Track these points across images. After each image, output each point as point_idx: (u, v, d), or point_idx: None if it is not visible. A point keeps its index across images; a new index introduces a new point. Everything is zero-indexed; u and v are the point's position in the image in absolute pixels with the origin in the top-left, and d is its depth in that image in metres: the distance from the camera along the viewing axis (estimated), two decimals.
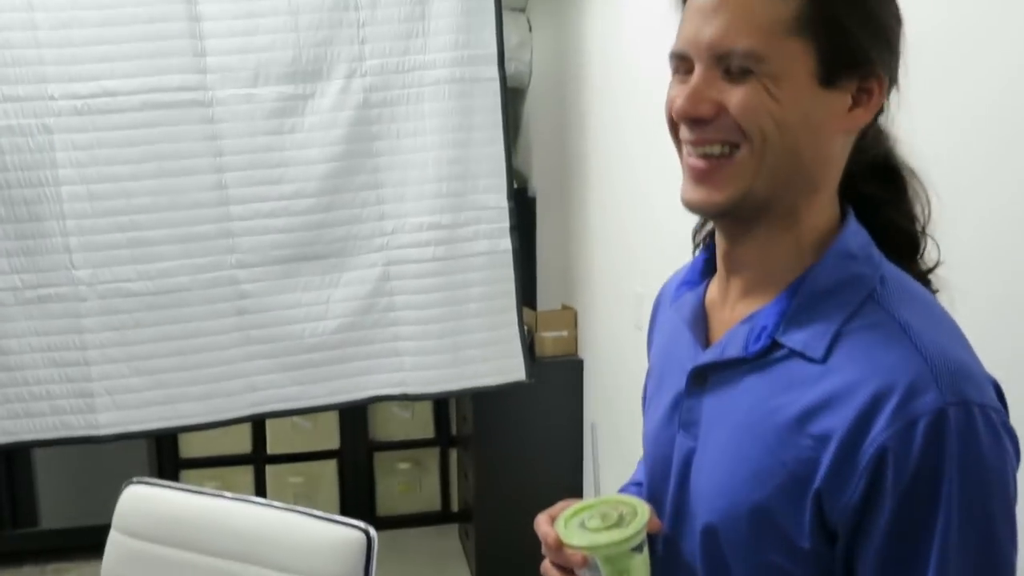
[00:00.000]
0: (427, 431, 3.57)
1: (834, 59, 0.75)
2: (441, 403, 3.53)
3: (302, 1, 2.37)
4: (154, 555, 1.21)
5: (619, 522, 0.81)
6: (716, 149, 0.77)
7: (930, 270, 0.86)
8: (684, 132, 0.79)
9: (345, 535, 1.17)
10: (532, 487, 3.01)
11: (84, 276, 2.33)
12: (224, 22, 2.34)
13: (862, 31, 0.76)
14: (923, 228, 0.86)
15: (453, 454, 3.57)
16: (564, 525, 0.83)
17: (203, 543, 1.19)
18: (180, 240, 2.37)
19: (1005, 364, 0.87)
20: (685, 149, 0.80)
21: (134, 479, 1.21)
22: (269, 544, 1.18)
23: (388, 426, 3.54)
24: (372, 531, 1.19)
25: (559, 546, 0.82)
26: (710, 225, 0.92)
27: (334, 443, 3.48)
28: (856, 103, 0.78)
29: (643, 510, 0.82)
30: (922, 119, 1.06)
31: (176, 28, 2.31)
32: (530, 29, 3.40)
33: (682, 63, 0.79)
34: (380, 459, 3.57)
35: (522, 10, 3.42)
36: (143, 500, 1.17)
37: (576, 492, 3.04)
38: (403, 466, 3.58)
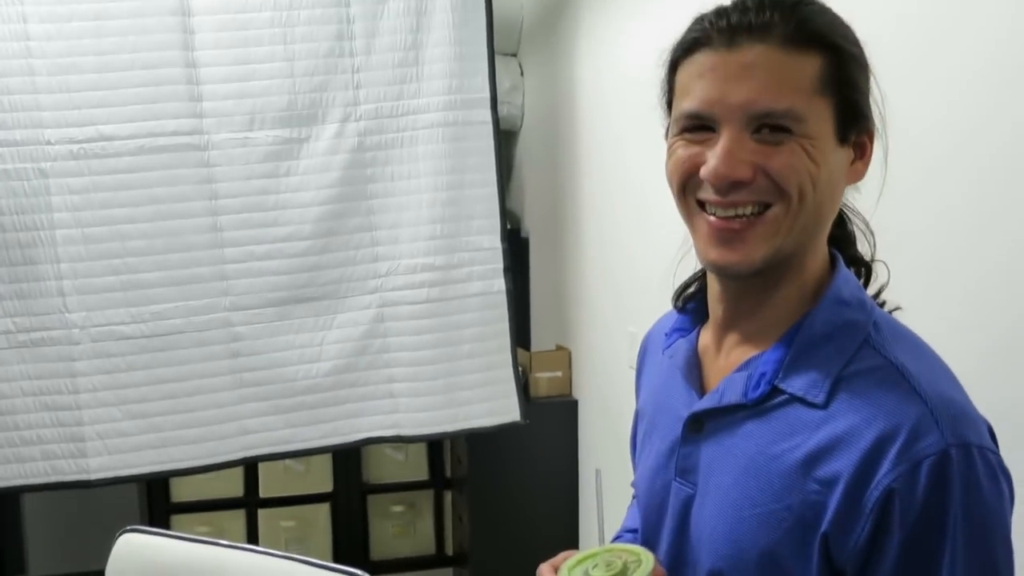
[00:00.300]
0: (421, 473, 3.54)
1: (846, 116, 0.78)
2: (435, 445, 3.50)
3: (298, 48, 2.40)
4: None
5: (623, 571, 0.81)
6: (748, 209, 0.77)
7: (881, 290, 0.90)
8: (708, 194, 0.78)
9: None
10: (528, 529, 2.99)
11: (77, 319, 2.33)
12: (220, 68, 2.36)
13: (864, 90, 0.79)
14: (872, 255, 0.90)
15: (448, 496, 3.54)
16: (568, 574, 0.83)
17: None
18: (174, 282, 2.37)
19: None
20: (708, 209, 0.79)
21: (128, 527, 1.20)
22: None
23: (382, 468, 3.51)
24: None
25: None
26: (695, 287, 0.93)
27: (327, 486, 3.45)
28: (856, 157, 0.81)
29: (648, 559, 0.82)
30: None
31: (173, 74, 2.33)
32: (522, 73, 3.45)
33: (695, 123, 0.78)
34: (374, 502, 3.53)
35: (514, 55, 3.47)
36: (138, 549, 1.16)
37: (572, 534, 3.01)
38: (397, 509, 3.54)
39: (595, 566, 0.83)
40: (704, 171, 0.77)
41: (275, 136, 2.40)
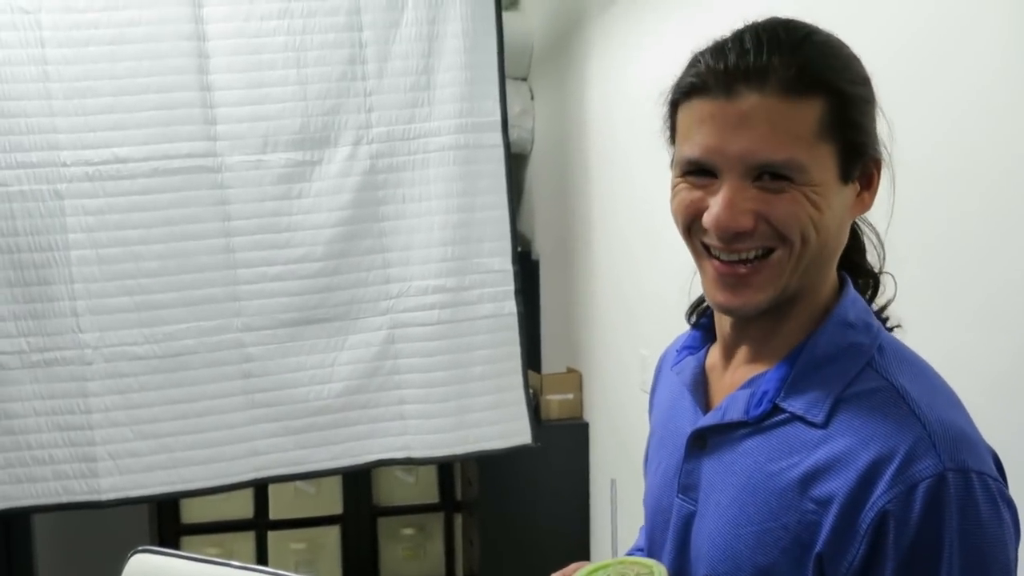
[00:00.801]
0: (431, 496, 3.53)
1: (849, 156, 0.77)
2: (445, 467, 3.50)
3: (311, 71, 2.42)
4: None
5: None
6: (752, 254, 0.78)
7: (886, 305, 0.89)
8: (712, 239, 0.79)
9: None
10: (538, 552, 2.96)
11: (90, 340, 2.34)
12: (234, 91, 2.39)
13: (867, 127, 0.79)
14: (880, 268, 0.89)
15: (458, 519, 3.52)
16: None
17: None
18: (187, 303, 2.39)
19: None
20: (712, 253, 0.79)
21: (140, 548, 1.20)
22: None
23: (392, 491, 3.50)
24: None
25: None
26: (705, 304, 0.93)
27: (337, 508, 3.44)
28: (863, 188, 0.80)
29: (660, 571, 0.82)
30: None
31: (187, 98, 2.36)
32: (532, 97, 3.47)
33: (696, 168, 0.79)
34: (384, 524, 3.52)
35: (524, 79, 3.50)
36: (149, 570, 1.16)
37: (583, 556, 2.99)
38: (407, 531, 3.53)
39: None
40: (706, 220, 0.78)
41: (288, 159, 2.42)
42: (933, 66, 1.35)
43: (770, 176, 0.75)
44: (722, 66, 0.76)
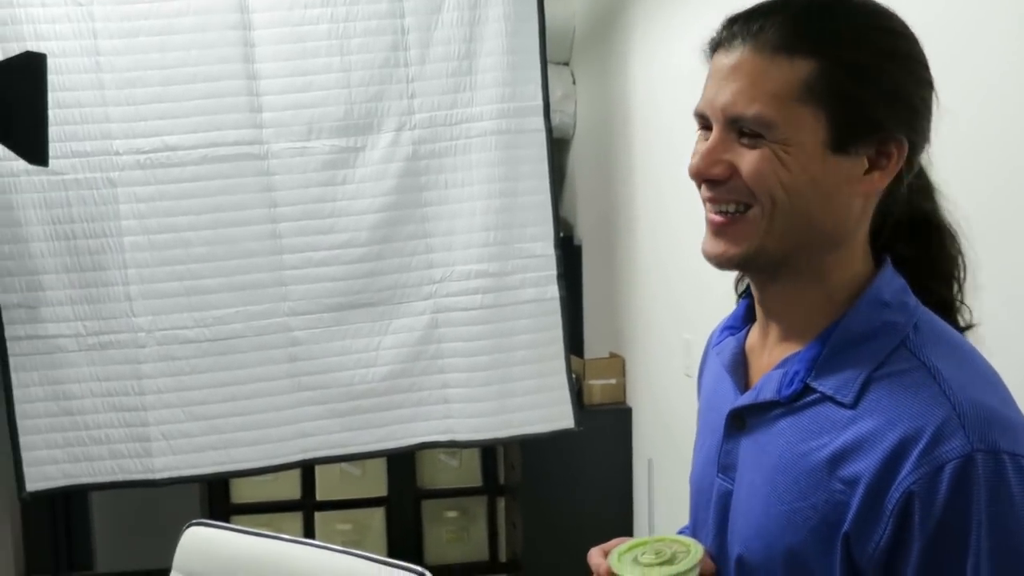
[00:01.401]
0: (475, 479, 3.56)
1: (846, 127, 0.76)
2: (489, 451, 3.52)
3: (354, 59, 2.45)
4: None
5: (672, 559, 0.82)
6: (731, 207, 0.79)
7: (961, 330, 0.85)
8: (702, 189, 0.82)
9: None
10: (581, 536, 2.96)
11: (143, 323, 2.40)
12: (280, 80, 2.43)
13: (876, 101, 0.76)
14: (958, 290, 0.86)
15: (501, 502, 3.55)
16: (617, 559, 0.85)
17: None
18: (235, 288, 2.44)
19: None
20: (705, 204, 0.82)
21: (194, 521, 1.24)
22: None
23: (436, 474, 3.54)
24: (428, 574, 1.20)
25: None
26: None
27: (382, 490, 3.49)
28: (874, 166, 0.78)
29: (696, 550, 0.83)
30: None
31: (234, 86, 2.40)
32: (574, 82, 3.46)
33: (703, 122, 0.82)
34: (428, 507, 3.56)
35: (566, 63, 3.48)
36: (204, 541, 1.20)
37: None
38: (451, 514, 3.57)
39: (644, 553, 0.84)
40: (688, 167, 0.81)
41: (332, 145, 2.45)
42: (942, 65, 1.33)
43: (747, 130, 0.77)
44: (733, 22, 0.79)
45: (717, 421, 0.89)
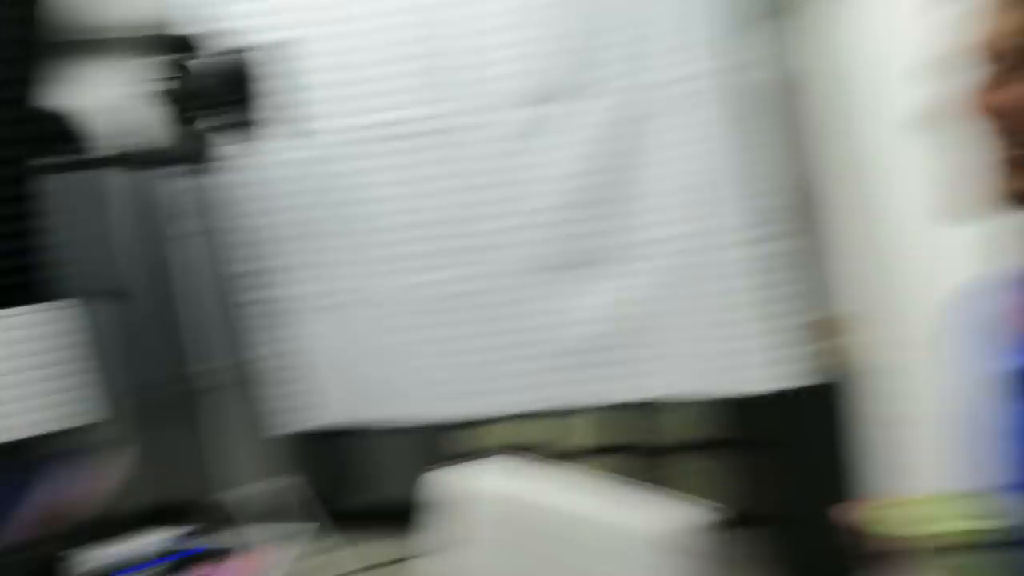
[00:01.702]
0: (707, 434, 3.53)
1: None
2: (718, 407, 3.48)
3: (556, 29, 2.51)
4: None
5: (970, 517, 0.79)
6: None
7: None
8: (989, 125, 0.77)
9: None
10: (822, 494, 2.89)
11: (382, 284, 2.67)
12: (496, 51, 2.55)
13: None
14: None
15: (735, 459, 3.50)
16: (880, 516, 0.83)
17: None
18: (457, 251, 2.64)
19: None
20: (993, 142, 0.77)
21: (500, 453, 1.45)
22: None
23: (666, 429, 3.55)
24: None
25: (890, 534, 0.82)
26: None
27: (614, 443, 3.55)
28: None
29: (997, 513, 0.80)
30: None
31: (450, 61, 2.57)
32: (788, 34, 3.28)
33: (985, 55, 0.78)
34: (663, 463, 3.58)
35: (779, 17, 3.31)
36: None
37: (860, 499, 2.88)
38: (689, 469, 3.56)
39: (938, 507, 0.81)
40: None
41: (541, 113, 2.55)
42: None
43: None
44: None
45: (994, 384, 0.83)
